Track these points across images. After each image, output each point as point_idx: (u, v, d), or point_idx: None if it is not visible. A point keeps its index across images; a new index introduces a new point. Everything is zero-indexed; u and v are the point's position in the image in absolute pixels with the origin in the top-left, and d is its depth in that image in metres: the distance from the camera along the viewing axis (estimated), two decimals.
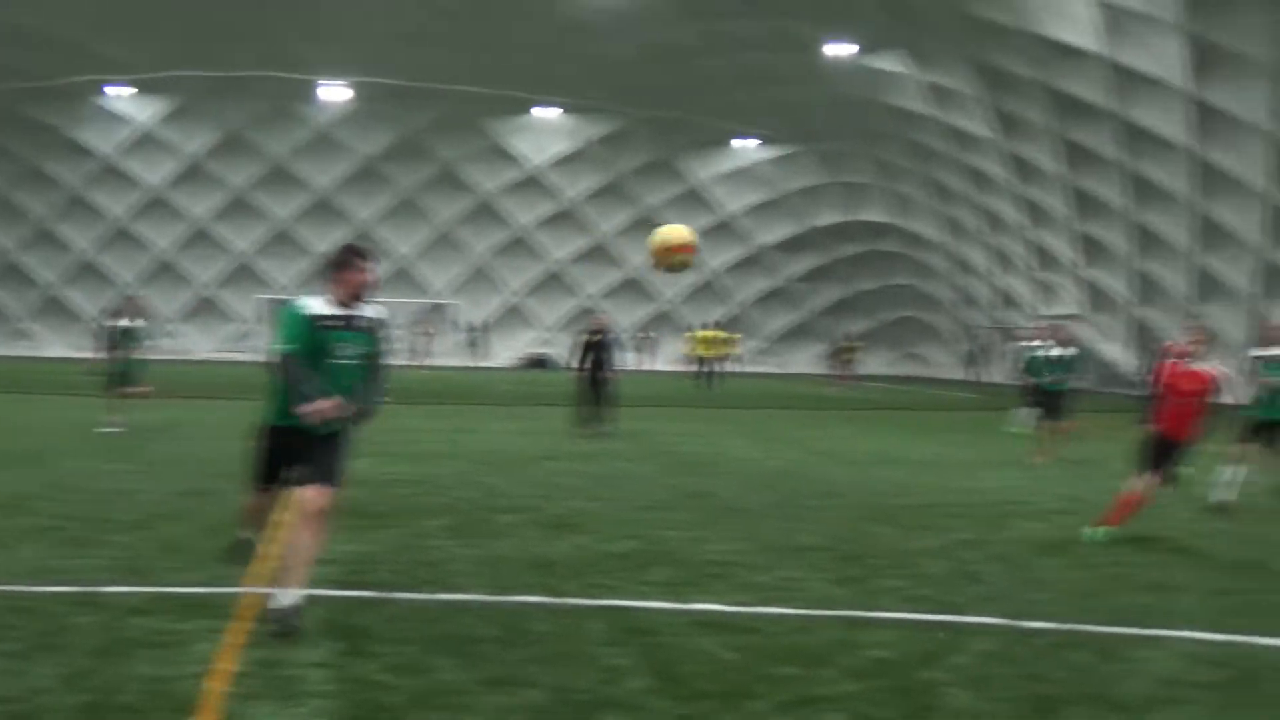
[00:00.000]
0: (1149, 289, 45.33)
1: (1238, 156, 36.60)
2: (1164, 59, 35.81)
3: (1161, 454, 10.82)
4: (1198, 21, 33.43)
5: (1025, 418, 23.00)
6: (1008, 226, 51.78)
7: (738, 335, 44.69)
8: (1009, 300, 54.46)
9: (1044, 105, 42.14)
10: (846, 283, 63.68)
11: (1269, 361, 13.87)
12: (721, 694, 6.27)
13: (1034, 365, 20.82)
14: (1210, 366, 11.28)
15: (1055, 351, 20.52)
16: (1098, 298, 48.73)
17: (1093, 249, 47.20)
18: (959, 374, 58.34)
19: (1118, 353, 48.12)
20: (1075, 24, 36.99)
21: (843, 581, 9.19)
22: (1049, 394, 19.87)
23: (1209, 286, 41.59)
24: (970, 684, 6.56)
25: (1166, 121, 37.89)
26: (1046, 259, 50.79)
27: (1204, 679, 6.73)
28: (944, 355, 63.05)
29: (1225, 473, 13.14)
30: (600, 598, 8.31)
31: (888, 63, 44.81)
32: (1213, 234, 40.02)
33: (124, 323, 19.48)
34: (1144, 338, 45.69)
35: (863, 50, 42.62)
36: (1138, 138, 39.65)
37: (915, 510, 13.06)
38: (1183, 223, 40.98)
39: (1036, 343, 22.67)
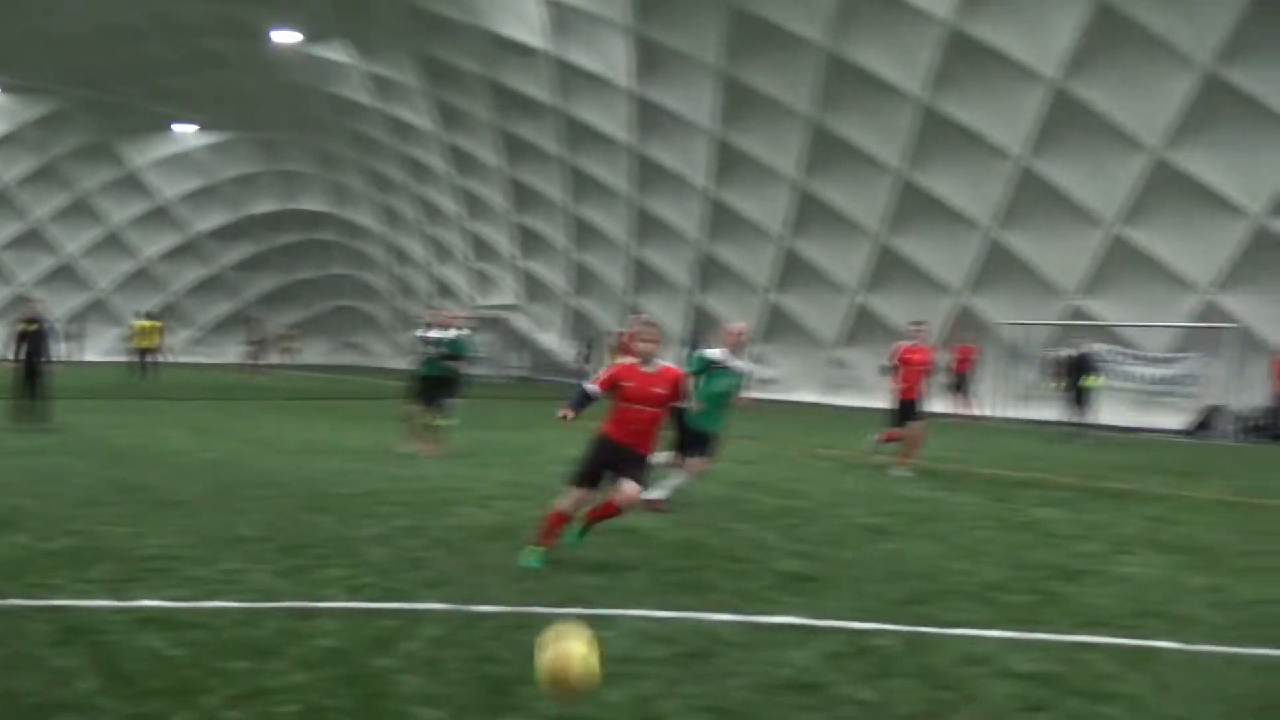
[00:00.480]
0: (586, 280, 47.34)
1: (679, 154, 38.85)
2: (610, 58, 37.48)
3: (611, 462, 9.79)
4: (645, 23, 35.15)
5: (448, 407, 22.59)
6: (447, 218, 52.63)
7: (161, 324, 42.72)
8: (446, 290, 55.27)
9: (488, 100, 43.03)
10: (284, 272, 62.54)
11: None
12: (172, 691, 5.94)
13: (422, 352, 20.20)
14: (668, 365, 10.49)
15: (434, 334, 19.27)
16: (535, 288, 50.36)
17: (531, 241, 48.74)
18: (399, 363, 58.63)
19: (554, 341, 49.99)
20: (524, 21, 38.00)
21: (286, 572, 8.87)
22: (432, 380, 18.58)
23: (646, 278, 43.92)
24: (421, 668, 6.44)
25: (609, 119, 39.66)
26: (484, 250, 51.96)
27: (655, 655, 6.86)
28: (383, 345, 63.06)
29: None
30: (42, 598, 7.73)
31: (333, 52, 44.22)
32: (650, 228, 42.26)
33: None
34: (581, 327, 47.69)
35: (308, 39, 41.84)
36: (580, 134, 41.28)
37: (354, 499, 12.83)
38: (621, 216, 43.01)
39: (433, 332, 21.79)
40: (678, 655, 6.89)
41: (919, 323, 19.44)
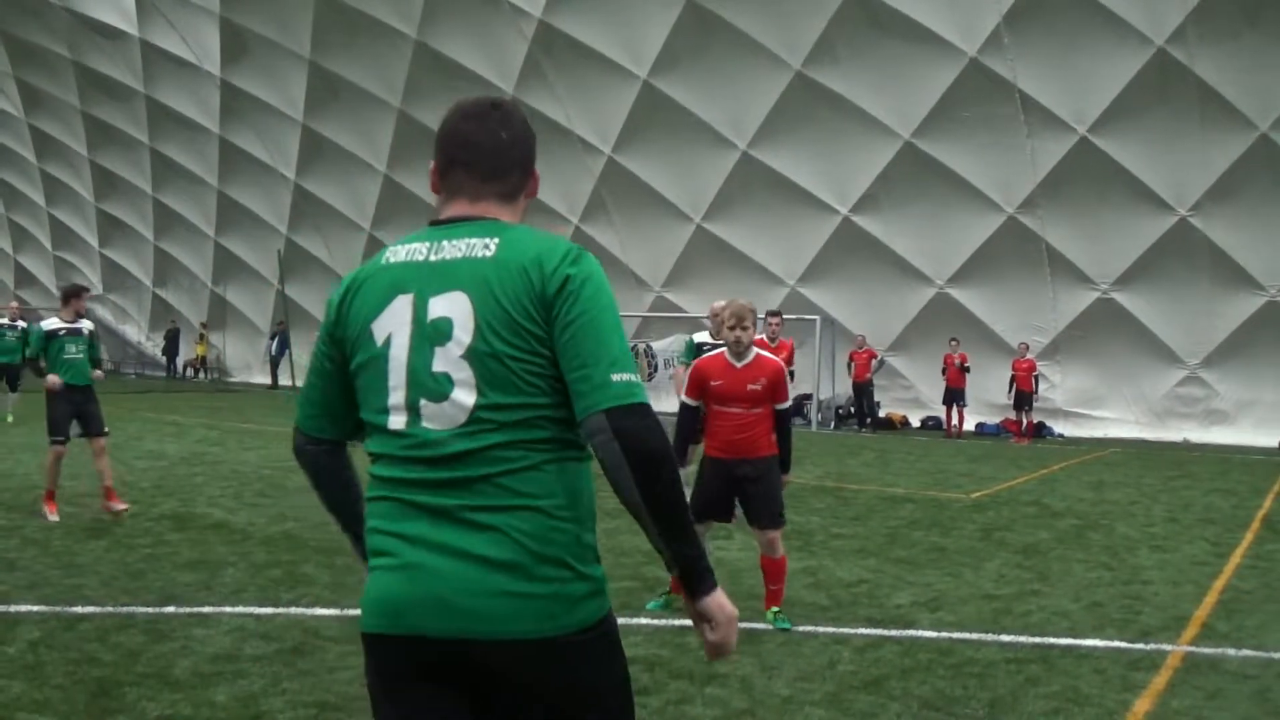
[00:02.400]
0: (168, 269, 45.74)
1: (265, 141, 38.28)
2: (198, 43, 36.58)
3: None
4: (233, 9, 34.48)
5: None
6: (27, 203, 49.91)
7: None
8: (27, 279, 52.33)
9: (72, 83, 41.20)
10: None
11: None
12: None
13: None
14: None
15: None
16: (117, 277, 48.32)
17: (112, 228, 46.83)
18: None
19: (137, 333, 48.16)
20: (112, 4, 36.97)
21: None
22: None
23: (229, 268, 42.98)
24: (23, 673, 6.25)
25: (195, 105, 38.66)
26: (65, 237, 49.53)
27: (256, 652, 6.82)
28: None
29: None
30: None
31: None
32: (234, 216, 41.33)
33: None
34: (163, 318, 46.07)
35: None
36: (165, 119, 39.86)
37: None
38: (206, 204, 41.95)
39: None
40: (279, 652, 6.86)
41: None
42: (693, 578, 2.59)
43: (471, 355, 2.57)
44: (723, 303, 8.38)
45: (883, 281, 29.64)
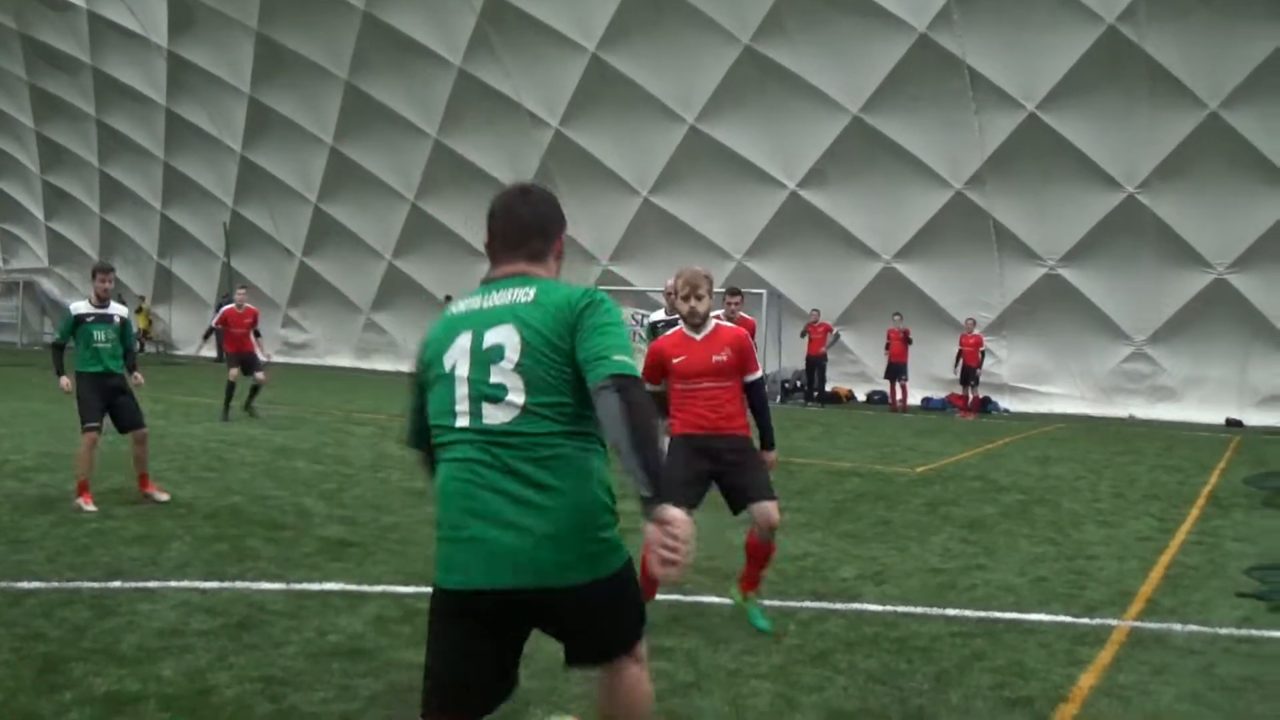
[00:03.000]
0: (115, 242, 45.29)
1: (211, 113, 37.85)
2: (146, 15, 36.36)
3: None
4: None
5: None
6: None
7: None
8: None
9: (18, 54, 40.88)
10: None
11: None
12: None
13: None
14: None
15: None
16: (63, 250, 47.83)
17: (58, 200, 46.42)
18: None
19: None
20: None
21: None
22: None
23: (176, 240, 42.44)
24: None
25: (142, 76, 38.18)
26: (10, 210, 49.00)
27: (202, 627, 6.78)
28: None
29: None
30: None
31: None
32: (180, 188, 40.92)
33: None
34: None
35: None
36: (111, 90, 39.47)
37: None
38: (151, 176, 41.52)
39: None
40: (225, 626, 6.83)
41: None
42: (656, 487, 3.35)
43: (520, 369, 3.60)
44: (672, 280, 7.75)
45: (830, 256, 29.78)
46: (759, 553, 7.33)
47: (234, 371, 20.20)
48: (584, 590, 3.56)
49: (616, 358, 3.53)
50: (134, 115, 39.84)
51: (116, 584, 7.70)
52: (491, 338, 3.66)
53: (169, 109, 38.56)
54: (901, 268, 29.32)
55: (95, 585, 7.62)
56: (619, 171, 31.55)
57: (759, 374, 7.36)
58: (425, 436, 3.88)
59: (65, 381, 11.17)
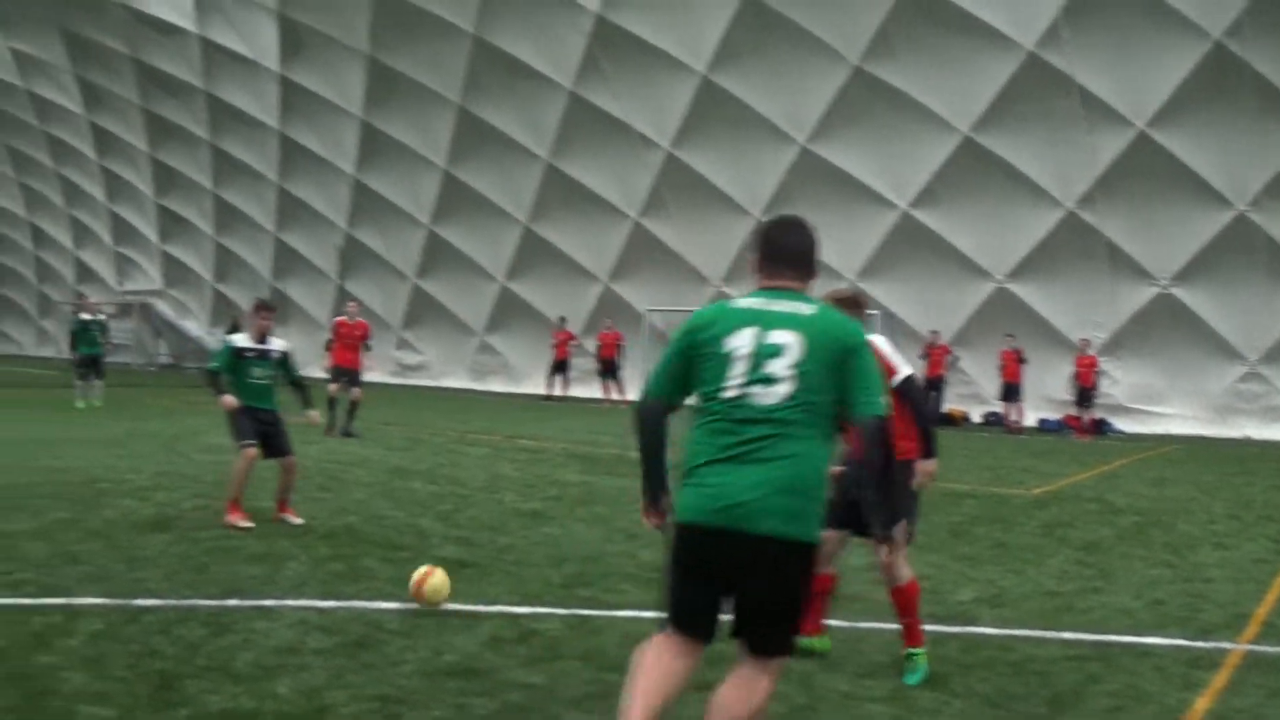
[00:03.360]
0: (229, 265, 46.16)
1: (324, 137, 38.31)
2: (256, 39, 36.86)
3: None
4: (291, 5, 34.75)
5: (83, 390, 25.49)
6: (89, 199, 50.39)
7: None
8: (88, 274, 52.90)
9: (132, 79, 41.79)
10: None
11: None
12: None
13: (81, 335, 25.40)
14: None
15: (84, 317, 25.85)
16: (178, 273, 48.75)
17: (173, 224, 47.20)
18: (46, 350, 55.83)
19: (198, 328, 48.61)
20: (170, 1, 36.99)
21: None
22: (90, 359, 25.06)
23: (290, 263, 43.16)
24: (85, 665, 6.26)
25: (254, 101, 38.91)
26: (126, 233, 49.97)
27: (319, 645, 6.83)
28: (26, 331, 59.76)
29: None
30: None
31: None
32: (294, 211, 41.46)
33: None
34: (223, 313, 46.52)
35: None
36: (225, 115, 40.26)
37: (6, 491, 12.22)
38: (265, 200, 42.13)
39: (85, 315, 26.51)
40: (341, 645, 6.87)
41: None
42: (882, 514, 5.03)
43: (796, 366, 4.41)
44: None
45: (942, 277, 29.53)
46: (897, 598, 6.94)
47: (333, 387, 20.47)
48: (793, 546, 4.40)
49: (880, 400, 4.54)
50: (247, 139, 40.62)
51: (233, 602, 7.80)
52: (775, 337, 4.48)
53: (282, 133, 39.25)
54: (1014, 288, 28.96)
55: (212, 603, 7.72)
56: (730, 193, 31.51)
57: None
58: (674, 391, 4.71)
59: (229, 399, 11.14)
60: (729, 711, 4.42)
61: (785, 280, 4.69)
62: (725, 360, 4.49)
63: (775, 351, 4.44)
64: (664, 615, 4.59)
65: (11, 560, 8.85)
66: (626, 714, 4.33)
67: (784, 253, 4.73)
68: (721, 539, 4.34)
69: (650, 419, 4.72)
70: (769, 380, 4.41)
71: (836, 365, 4.45)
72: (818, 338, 4.46)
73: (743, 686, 4.46)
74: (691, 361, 4.63)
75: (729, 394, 4.45)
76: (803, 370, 4.41)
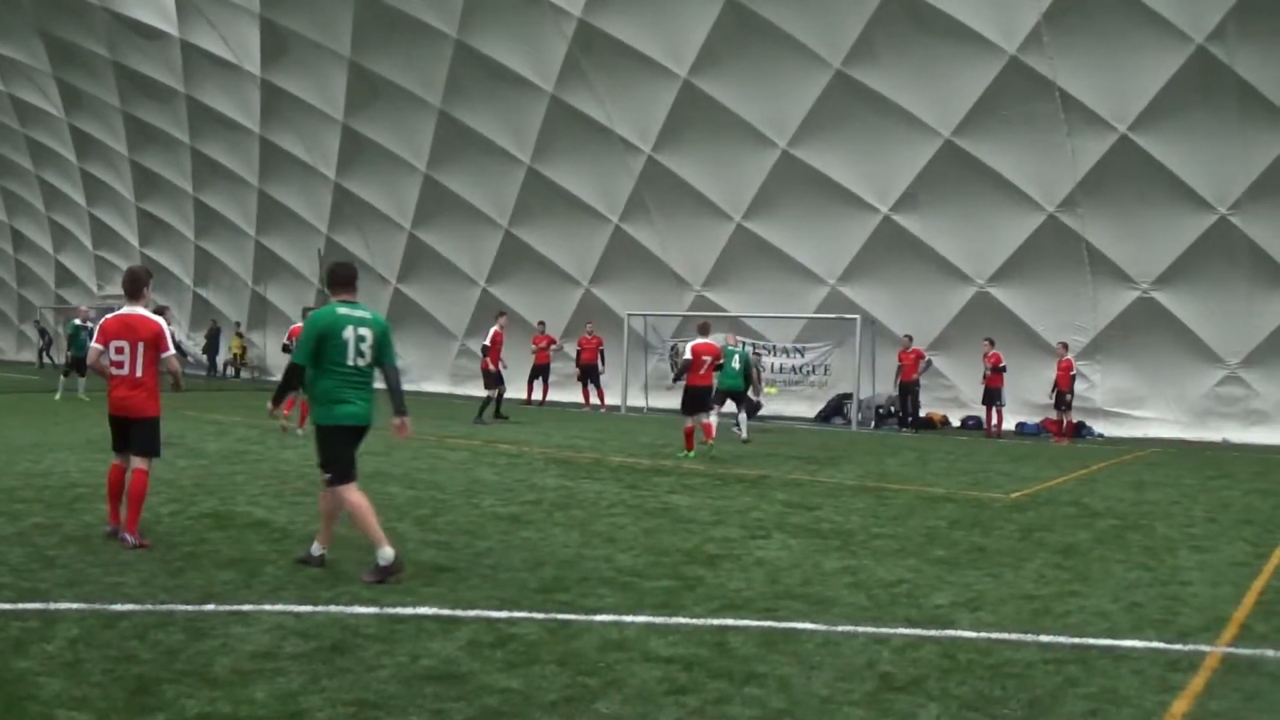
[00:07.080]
0: (209, 268, 46.07)
1: (305, 141, 38.35)
2: (238, 43, 36.72)
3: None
4: (273, 9, 34.79)
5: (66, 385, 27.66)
6: (68, 203, 50.20)
7: None
8: (68, 278, 52.74)
9: (112, 83, 41.56)
10: None
11: None
12: None
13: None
14: None
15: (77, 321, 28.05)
16: (156, 276, 48.53)
17: (152, 227, 47.09)
18: (26, 354, 55.66)
19: (177, 332, 48.40)
20: (152, 4, 37.17)
21: None
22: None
23: (269, 267, 43.05)
24: (63, 670, 6.25)
25: (235, 104, 38.92)
26: (106, 237, 49.84)
27: (296, 650, 6.82)
28: (6, 336, 59.90)
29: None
30: None
31: None
32: (274, 215, 41.69)
33: None
34: (203, 317, 46.45)
35: None
36: (205, 119, 40.18)
37: None
38: (246, 203, 42.02)
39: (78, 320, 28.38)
40: (318, 650, 6.86)
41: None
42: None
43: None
44: None
45: (923, 281, 29.56)
46: None
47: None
48: None
49: None
50: (228, 143, 40.53)
51: (210, 607, 7.78)
52: None
53: (263, 136, 39.16)
54: (995, 292, 29.00)
55: (189, 608, 7.70)
56: (711, 197, 31.48)
57: None
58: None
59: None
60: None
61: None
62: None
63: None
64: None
65: None
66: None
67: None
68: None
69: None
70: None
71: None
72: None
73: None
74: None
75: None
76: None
